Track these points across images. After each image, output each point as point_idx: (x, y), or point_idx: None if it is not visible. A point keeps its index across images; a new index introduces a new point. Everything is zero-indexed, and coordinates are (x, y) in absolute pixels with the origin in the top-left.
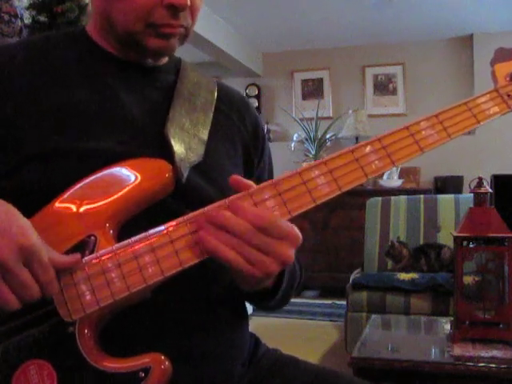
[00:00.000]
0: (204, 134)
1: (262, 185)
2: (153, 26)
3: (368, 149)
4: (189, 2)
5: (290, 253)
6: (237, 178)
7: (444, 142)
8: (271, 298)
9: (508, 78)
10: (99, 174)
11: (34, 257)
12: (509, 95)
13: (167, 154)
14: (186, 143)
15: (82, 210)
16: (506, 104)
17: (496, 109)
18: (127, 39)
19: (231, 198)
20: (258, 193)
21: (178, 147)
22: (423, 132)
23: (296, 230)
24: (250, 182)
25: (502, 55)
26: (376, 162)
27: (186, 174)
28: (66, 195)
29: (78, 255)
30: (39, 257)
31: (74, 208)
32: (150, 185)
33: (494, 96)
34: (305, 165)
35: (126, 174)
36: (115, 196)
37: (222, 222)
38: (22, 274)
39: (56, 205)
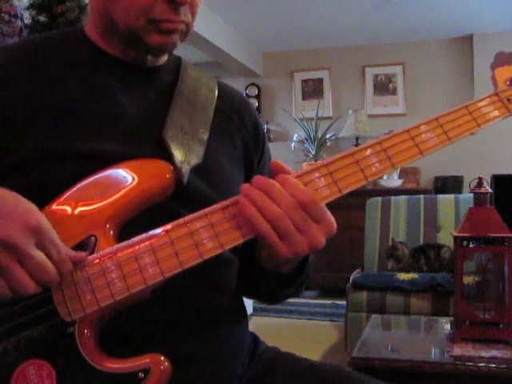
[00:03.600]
0: (204, 135)
1: None
2: (154, 22)
3: (368, 151)
4: None
5: (322, 238)
6: (277, 162)
7: (444, 145)
8: (288, 285)
9: (508, 83)
10: (99, 175)
11: (45, 236)
12: (509, 99)
13: (166, 156)
14: (185, 146)
15: (82, 210)
16: (506, 108)
17: (496, 113)
18: (128, 36)
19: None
20: None
21: (177, 152)
22: (423, 135)
23: (333, 219)
24: (289, 169)
25: (502, 59)
26: (376, 164)
27: (186, 176)
28: (65, 195)
29: (83, 253)
30: (50, 236)
31: (74, 208)
32: (151, 185)
33: (495, 100)
34: (305, 166)
35: (127, 174)
36: (115, 196)
37: (269, 188)
38: (36, 254)
39: (55, 205)
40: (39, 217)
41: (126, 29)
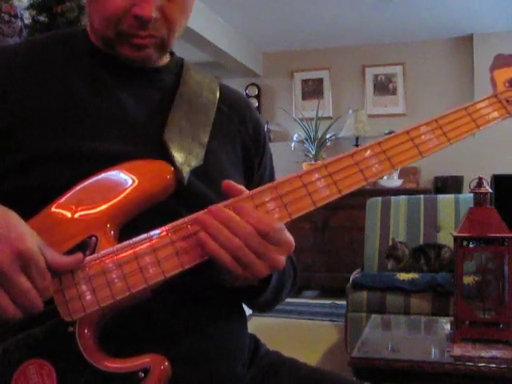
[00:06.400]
0: (204, 137)
1: (263, 187)
2: (123, 35)
3: (368, 153)
4: (155, 15)
5: (283, 259)
6: (229, 182)
7: (444, 146)
8: (258, 296)
9: (507, 84)
10: (100, 175)
11: (31, 262)
12: (508, 101)
13: (167, 157)
14: (186, 148)
15: (83, 210)
16: (505, 109)
17: (495, 114)
18: (104, 45)
19: (233, 199)
20: (258, 195)
21: (177, 153)
22: (423, 136)
23: (291, 238)
24: (242, 188)
25: (501, 61)
26: (376, 165)
27: (187, 178)
28: (67, 196)
29: (80, 255)
30: (36, 262)
31: (75, 208)
32: (151, 186)
33: (494, 101)
34: (305, 166)
35: (128, 175)
36: (116, 197)
37: (226, 221)
38: (22, 281)
39: (57, 205)
40: (29, 242)
41: (100, 38)
